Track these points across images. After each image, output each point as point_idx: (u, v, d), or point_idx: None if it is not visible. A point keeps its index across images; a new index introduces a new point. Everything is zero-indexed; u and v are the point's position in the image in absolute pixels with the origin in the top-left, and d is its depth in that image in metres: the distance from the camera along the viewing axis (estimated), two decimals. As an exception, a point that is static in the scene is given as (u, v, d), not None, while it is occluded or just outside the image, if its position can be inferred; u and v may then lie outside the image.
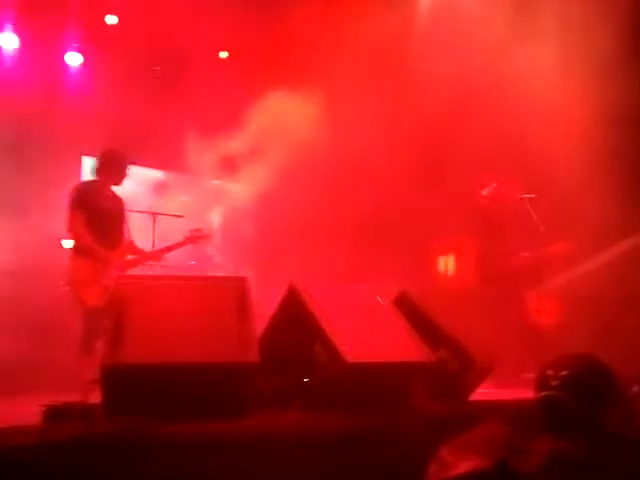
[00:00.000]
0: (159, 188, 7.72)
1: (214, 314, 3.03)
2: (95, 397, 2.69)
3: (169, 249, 5.57)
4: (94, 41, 7.61)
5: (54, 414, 2.66)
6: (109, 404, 2.64)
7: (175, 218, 6.70)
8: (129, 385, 2.64)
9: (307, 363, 3.16)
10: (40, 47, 7.45)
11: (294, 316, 3.26)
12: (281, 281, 3.44)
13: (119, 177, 5.39)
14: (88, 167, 7.11)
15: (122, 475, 2.25)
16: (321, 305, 3.22)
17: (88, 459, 2.23)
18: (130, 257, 5.34)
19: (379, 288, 3.75)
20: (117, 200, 5.42)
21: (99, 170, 5.34)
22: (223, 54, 8.30)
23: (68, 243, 5.37)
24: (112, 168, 5.33)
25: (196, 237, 5.70)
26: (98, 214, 5.12)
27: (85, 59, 7.71)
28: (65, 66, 7.69)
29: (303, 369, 3.20)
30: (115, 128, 6.73)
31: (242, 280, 3.27)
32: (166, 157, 7.68)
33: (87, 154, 7.37)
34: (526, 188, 6.13)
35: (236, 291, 3.14)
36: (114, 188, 5.42)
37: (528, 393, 4.48)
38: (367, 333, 3.30)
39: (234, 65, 8.08)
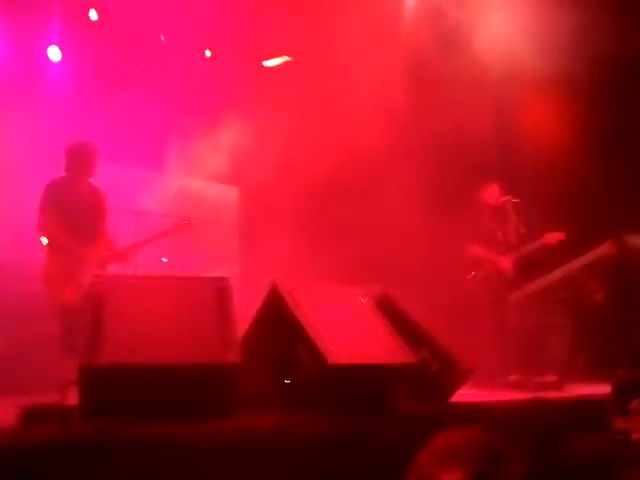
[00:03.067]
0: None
1: (194, 314, 3.00)
2: (73, 399, 2.65)
3: (150, 240, 5.45)
4: (76, 36, 7.52)
5: (31, 416, 2.62)
6: (87, 406, 2.60)
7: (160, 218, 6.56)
8: (107, 387, 2.60)
9: (289, 364, 3.15)
10: (21, 42, 7.35)
11: (276, 316, 3.24)
12: (265, 281, 3.41)
13: (89, 169, 5.27)
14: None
15: (100, 478, 2.22)
16: (303, 306, 3.21)
17: (65, 462, 2.19)
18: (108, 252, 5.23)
19: (361, 289, 3.75)
20: (95, 194, 5.31)
21: (68, 165, 5.24)
22: (208, 52, 8.25)
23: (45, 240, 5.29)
24: (80, 161, 5.23)
25: (180, 226, 5.61)
26: (72, 210, 5.03)
27: (66, 54, 7.61)
28: (46, 60, 7.59)
29: (285, 370, 3.18)
30: (95, 123, 6.65)
31: (223, 280, 3.24)
32: (148, 155, 7.61)
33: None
34: (508, 191, 6.16)
35: (217, 291, 3.12)
36: (96, 182, 5.33)
37: (510, 395, 4.53)
38: (349, 334, 3.29)
39: (218, 62, 8.03)
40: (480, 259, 6.04)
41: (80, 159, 5.24)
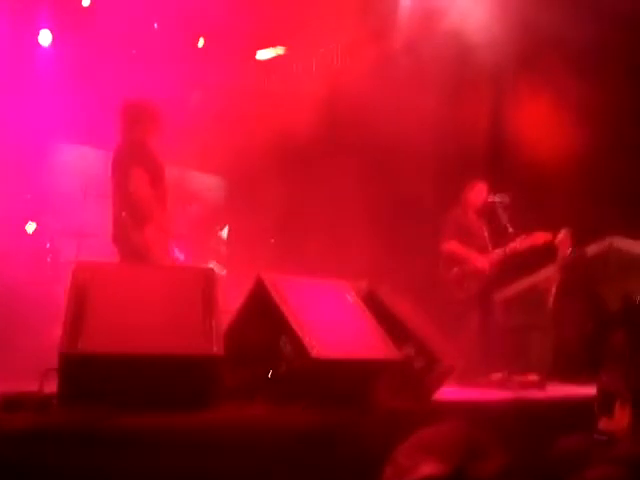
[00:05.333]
0: None
1: (179, 305, 2.97)
2: (51, 387, 2.62)
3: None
4: (67, 21, 7.45)
5: (8, 404, 2.58)
6: (66, 394, 2.57)
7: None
8: (87, 375, 2.57)
9: (273, 357, 3.14)
10: (11, 26, 7.27)
11: (261, 309, 3.23)
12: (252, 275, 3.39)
13: (154, 131, 4.55)
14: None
15: (77, 467, 2.20)
16: (289, 299, 3.19)
17: (43, 450, 2.17)
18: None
19: (348, 284, 3.74)
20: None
21: (134, 125, 4.48)
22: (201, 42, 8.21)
23: (31, 227, 5.21)
24: (153, 120, 4.56)
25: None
26: (157, 175, 4.35)
27: (57, 39, 7.54)
28: (37, 45, 7.52)
29: (268, 363, 3.17)
30: (86, 109, 6.60)
31: (208, 271, 3.22)
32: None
33: (57, 137, 7.24)
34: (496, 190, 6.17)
35: (202, 282, 3.09)
36: None
37: (492, 394, 4.54)
38: (334, 328, 3.28)
39: (210, 51, 7.98)
40: (457, 255, 5.99)
41: (148, 118, 4.57)
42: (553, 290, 7.42)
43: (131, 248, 4.23)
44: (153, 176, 4.29)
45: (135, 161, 4.27)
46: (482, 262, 5.93)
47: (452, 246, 6.00)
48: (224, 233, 7.40)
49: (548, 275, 7.62)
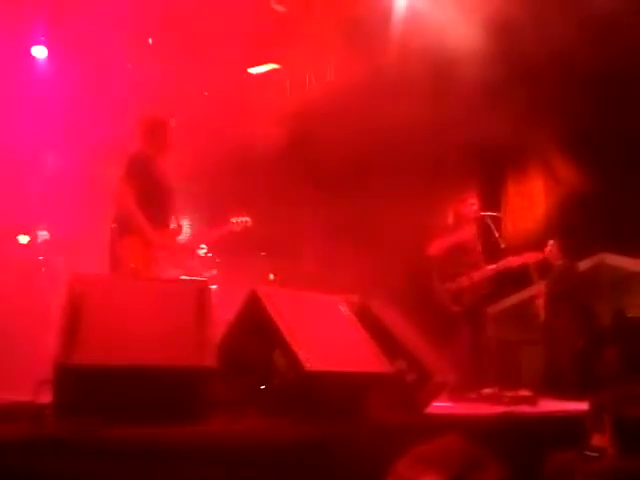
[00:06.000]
0: None
1: (172, 317, 2.98)
2: (45, 397, 2.62)
3: (208, 237, 5.14)
4: (61, 35, 7.49)
5: (1, 414, 2.58)
6: (61, 405, 2.57)
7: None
8: (82, 387, 2.57)
9: (266, 369, 3.14)
10: (5, 39, 7.30)
11: (254, 322, 3.24)
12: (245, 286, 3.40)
13: (164, 147, 4.60)
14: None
15: (70, 478, 2.19)
16: (282, 312, 3.20)
17: (36, 460, 2.17)
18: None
19: (341, 298, 3.75)
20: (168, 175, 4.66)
21: (147, 139, 4.57)
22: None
23: (24, 239, 5.20)
24: (161, 135, 4.60)
25: (238, 224, 5.19)
26: (153, 188, 4.40)
27: (51, 52, 7.57)
28: (31, 59, 7.55)
29: (261, 375, 3.17)
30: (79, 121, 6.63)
31: (202, 283, 3.23)
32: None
33: (51, 148, 7.25)
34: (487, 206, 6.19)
35: (196, 294, 3.10)
36: None
37: (483, 409, 4.55)
38: (327, 342, 3.29)
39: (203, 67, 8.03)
40: (444, 251, 5.92)
41: (161, 133, 4.62)
42: (542, 303, 7.46)
43: (112, 257, 4.35)
44: (149, 191, 4.35)
45: (127, 175, 4.35)
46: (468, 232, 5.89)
47: (435, 246, 5.93)
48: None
49: (538, 289, 7.66)
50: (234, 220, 5.16)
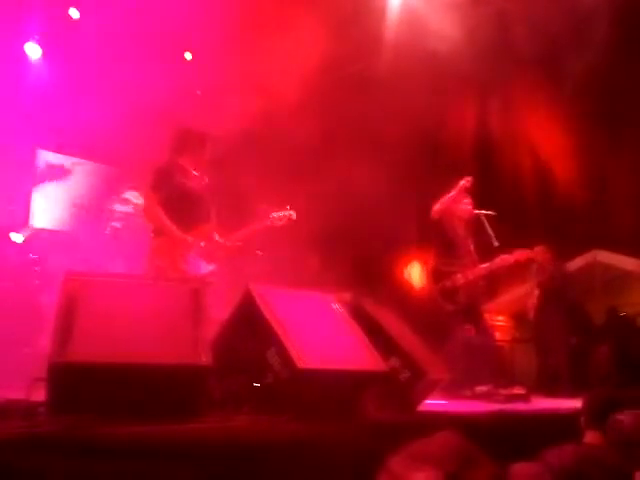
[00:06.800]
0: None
1: (167, 315, 2.99)
2: (39, 395, 2.62)
3: (248, 234, 5.10)
4: (55, 34, 7.46)
5: (-5, 411, 2.58)
6: (55, 403, 2.58)
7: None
8: (76, 384, 2.57)
9: (260, 367, 3.15)
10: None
11: (249, 320, 3.24)
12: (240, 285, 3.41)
13: (197, 157, 4.74)
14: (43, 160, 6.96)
15: (64, 475, 2.19)
16: (276, 310, 3.21)
17: (29, 459, 2.17)
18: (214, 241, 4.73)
19: (334, 296, 3.76)
20: (202, 180, 4.79)
21: (176, 149, 4.73)
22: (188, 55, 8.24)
23: (17, 237, 5.18)
24: (188, 147, 4.73)
25: (280, 218, 5.04)
26: (180, 194, 4.55)
27: (45, 51, 7.55)
28: (24, 57, 7.52)
29: (255, 373, 3.18)
30: (73, 122, 6.61)
31: (197, 282, 3.23)
32: (123, 154, 7.56)
33: (44, 147, 7.23)
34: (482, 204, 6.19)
35: (191, 293, 3.11)
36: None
37: (477, 406, 4.56)
38: (321, 340, 3.30)
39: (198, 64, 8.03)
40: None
41: (190, 145, 4.75)
42: (534, 303, 7.49)
43: (147, 255, 4.62)
44: (175, 199, 4.52)
45: (152, 184, 4.59)
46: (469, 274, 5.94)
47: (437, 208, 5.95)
48: None
49: (529, 289, 7.69)
50: (275, 215, 5.06)
